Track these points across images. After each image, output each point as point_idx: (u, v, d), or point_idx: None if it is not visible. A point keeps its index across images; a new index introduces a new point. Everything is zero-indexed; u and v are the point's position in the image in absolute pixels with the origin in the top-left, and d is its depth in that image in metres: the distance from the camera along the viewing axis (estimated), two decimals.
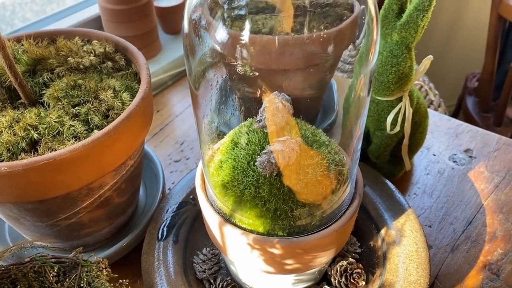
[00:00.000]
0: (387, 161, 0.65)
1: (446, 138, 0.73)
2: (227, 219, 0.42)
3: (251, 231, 0.41)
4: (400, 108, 0.57)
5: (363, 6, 0.34)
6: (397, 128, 0.58)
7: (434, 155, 0.70)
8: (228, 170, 0.42)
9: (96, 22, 0.85)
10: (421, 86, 0.60)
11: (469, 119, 1.33)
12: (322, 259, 0.43)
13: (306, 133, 0.43)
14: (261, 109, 0.41)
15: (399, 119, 0.58)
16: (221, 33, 0.33)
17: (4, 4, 1.68)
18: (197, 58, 0.37)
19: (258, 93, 0.41)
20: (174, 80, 0.86)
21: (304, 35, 0.37)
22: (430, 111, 0.77)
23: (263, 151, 0.40)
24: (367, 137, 0.64)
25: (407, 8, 0.54)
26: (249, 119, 0.44)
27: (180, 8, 0.88)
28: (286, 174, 0.40)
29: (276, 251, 0.40)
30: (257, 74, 0.35)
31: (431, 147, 0.71)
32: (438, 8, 1.57)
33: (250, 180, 0.40)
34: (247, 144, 0.42)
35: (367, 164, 0.63)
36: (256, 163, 0.40)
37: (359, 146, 0.43)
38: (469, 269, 0.56)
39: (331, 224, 0.41)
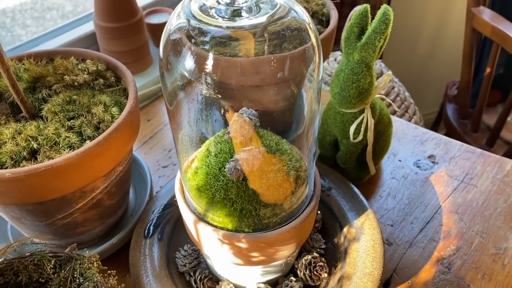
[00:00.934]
0: (354, 166, 0.71)
1: (412, 145, 0.79)
2: (201, 218, 0.48)
3: (221, 228, 0.47)
4: (362, 119, 0.64)
5: (310, 41, 0.41)
6: (360, 137, 0.64)
7: (400, 160, 0.77)
8: (202, 176, 0.48)
9: (91, 38, 0.91)
10: (383, 99, 0.66)
11: (448, 125, 1.40)
12: (284, 252, 0.49)
13: (270, 143, 0.49)
14: (230, 123, 0.47)
15: (362, 129, 0.64)
16: (190, 61, 0.40)
17: (4, 11, 1.75)
18: (171, 79, 0.43)
19: (233, 106, 0.48)
20: None
21: (263, 57, 0.43)
22: (399, 120, 0.83)
23: (231, 159, 0.47)
24: (335, 145, 0.71)
25: (366, 30, 0.60)
26: (222, 130, 0.51)
27: None
28: (251, 179, 0.46)
29: (243, 245, 0.47)
30: (219, 96, 0.41)
31: (398, 153, 0.78)
32: (422, 19, 1.65)
33: (220, 184, 0.47)
34: (218, 152, 0.48)
35: (336, 170, 0.70)
36: (225, 170, 0.46)
37: (313, 151, 0.50)
38: (424, 263, 0.62)
39: (290, 222, 0.48)
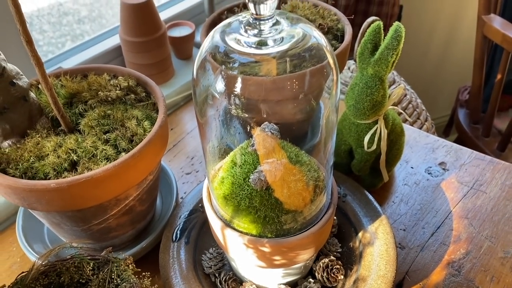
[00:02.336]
0: (368, 174, 0.75)
1: (423, 153, 0.83)
2: (228, 224, 0.53)
3: (246, 234, 0.51)
4: (376, 129, 0.68)
5: (326, 60, 0.45)
6: (374, 146, 0.68)
7: (412, 167, 0.80)
8: (228, 185, 0.52)
9: (117, 51, 0.96)
10: (397, 111, 0.70)
11: (460, 130, 1.43)
12: (304, 256, 0.54)
13: (290, 154, 0.53)
14: (254, 136, 0.52)
15: (376, 139, 0.68)
16: (220, 82, 0.44)
17: None
18: (202, 97, 0.48)
19: (256, 118, 0.52)
20: (186, 100, 0.98)
21: (285, 76, 0.47)
22: (411, 128, 0.87)
23: (255, 170, 0.51)
24: (350, 153, 0.75)
25: (379, 46, 0.64)
26: (245, 141, 0.55)
27: (190, 37, 0.99)
28: (274, 188, 0.50)
29: (266, 249, 0.51)
30: (245, 114, 0.45)
31: (410, 160, 0.82)
32: (434, 26, 1.68)
33: (245, 193, 0.51)
34: (243, 164, 0.53)
35: (350, 177, 0.73)
36: (249, 180, 0.51)
37: (331, 163, 0.54)
38: (435, 266, 0.66)
39: (310, 228, 0.52)
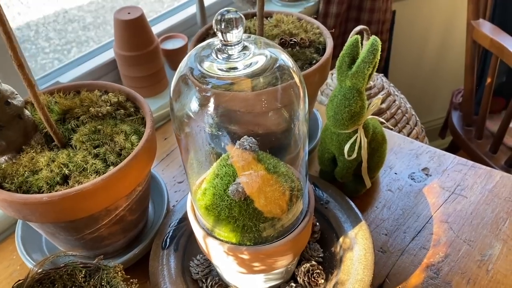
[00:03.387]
0: (351, 181, 0.78)
1: (407, 159, 0.85)
2: (209, 233, 0.56)
3: (226, 242, 0.54)
4: (356, 138, 0.70)
5: (293, 80, 0.48)
6: (355, 155, 0.71)
7: (396, 173, 0.83)
8: (210, 196, 0.56)
9: (112, 64, 1.00)
10: (380, 120, 0.72)
11: (454, 132, 1.45)
12: (283, 262, 0.57)
13: (268, 165, 0.56)
14: (230, 152, 0.55)
15: (356, 147, 0.71)
16: (195, 101, 0.48)
17: (28, 25, 1.84)
18: (179, 114, 0.51)
19: (238, 130, 0.55)
20: None
21: (257, 92, 0.50)
22: (396, 135, 0.90)
23: (233, 182, 0.54)
24: (333, 161, 0.77)
25: (357, 59, 0.67)
26: (227, 153, 0.58)
27: (183, 49, 1.03)
28: (252, 199, 0.54)
29: (245, 256, 0.54)
30: (219, 132, 0.49)
31: (394, 166, 0.84)
32: (428, 29, 1.70)
33: (225, 204, 0.54)
34: (224, 175, 0.56)
35: (334, 184, 0.76)
36: (228, 191, 0.54)
37: (305, 171, 0.57)
38: (414, 269, 0.68)
39: (287, 235, 0.55)
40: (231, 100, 0.49)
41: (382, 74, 1.15)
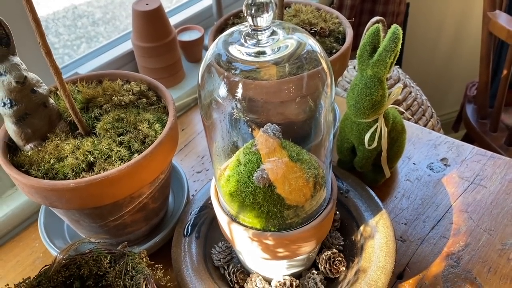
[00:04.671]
0: (371, 170, 0.78)
1: (426, 149, 0.85)
2: (234, 219, 0.56)
3: (251, 228, 0.55)
4: (376, 128, 0.71)
5: (321, 66, 0.48)
6: (375, 144, 0.71)
7: (414, 164, 0.83)
8: (234, 183, 0.56)
9: (130, 56, 1.01)
10: (399, 110, 0.72)
11: (468, 125, 1.44)
12: (306, 248, 0.57)
13: (292, 153, 0.57)
14: (256, 137, 0.55)
15: (376, 137, 0.71)
16: (223, 87, 0.48)
17: None
18: (207, 101, 0.52)
19: (259, 119, 0.55)
20: (196, 102, 1.02)
21: (285, 79, 0.50)
22: (414, 125, 0.90)
23: (258, 169, 0.55)
24: (353, 151, 0.78)
25: (378, 48, 0.67)
26: (250, 141, 0.59)
27: (199, 41, 1.03)
28: (276, 185, 0.54)
29: (270, 242, 0.54)
30: (248, 116, 0.49)
31: (412, 157, 0.84)
32: (443, 21, 1.69)
33: (249, 190, 0.54)
34: (247, 163, 0.56)
35: (353, 174, 0.76)
36: (253, 178, 0.54)
37: (330, 160, 0.57)
38: (434, 258, 0.69)
39: (310, 222, 0.55)
40: (258, 87, 0.49)
41: (398, 66, 1.15)
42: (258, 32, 0.44)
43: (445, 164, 0.82)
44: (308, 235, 0.55)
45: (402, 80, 1.07)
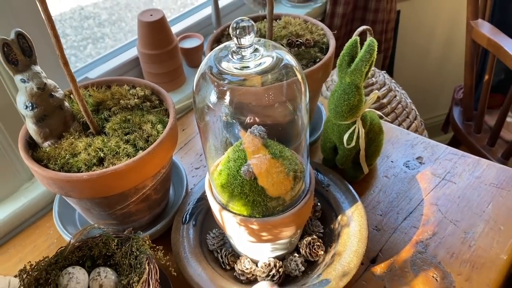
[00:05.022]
0: (351, 167, 0.87)
1: (403, 148, 0.94)
2: (224, 207, 0.65)
3: (239, 214, 0.64)
4: (354, 129, 0.79)
5: (296, 77, 0.57)
6: (353, 143, 0.80)
7: (392, 161, 0.91)
8: (225, 176, 0.65)
9: (135, 61, 1.10)
10: (378, 114, 0.80)
11: (455, 127, 1.52)
12: (287, 233, 0.66)
13: (275, 150, 0.65)
14: (243, 137, 0.64)
15: (355, 137, 0.80)
16: (214, 94, 0.57)
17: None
18: (200, 105, 0.60)
19: (247, 121, 0.64)
20: None
21: (265, 87, 0.59)
22: (394, 127, 0.98)
23: (245, 164, 0.63)
24: (335, 150, 0.86)
25: (355, 58, 0.75)
26: (239, 140, 0.67)
27: (199, 48, 1.12)
28: (260, 178, 0.63)
29: (254, 227, 0.63)
30: (235, 119, 0.58)
31: (391, 155, 0.93)
32: (433, 28, 1.77)
33: (237, 182, 0.63)
34: (236, 159, 0.65)
35: (335, 170, 0.85)
36: (241, 172, 0.63)
37: (307, 155, 0.66)
38: (404, 245, 0.77)
39: (290, 210, 0.64)
40: (243, 94, 0.58)
41: (385, 71, 1.23)
42: (242, 50, 0.53)
43: (420, 162, 0.91)
44: (288, 221, 0.64)
45: (388, 85, 1.16)
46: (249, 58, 0.54)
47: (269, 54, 0.55)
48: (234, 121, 0.59)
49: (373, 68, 1.20)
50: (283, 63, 0.55)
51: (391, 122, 1.15)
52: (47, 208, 0.91)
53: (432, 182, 0.87)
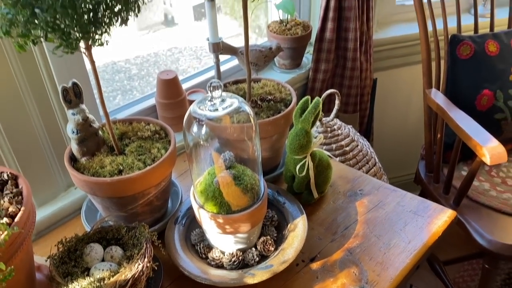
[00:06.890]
0: (305, 193, 1.15)
1: (348, 182, 1.22)
2: (201, 206, 0.94)
3: (211, 212, 0.92)
4: (304, 162, 1.08)
5: (251, 123, 0.87)
6: (304, 173, 1.08)
7: (340, 192, 1.19)
8: (203, 185, 0.94)
9: (153, 108, 1.43)
10: (327, 153, 1.09)
11: (419, 178, 1.78)
12: (244, 228, 0.93)
13: (239, 170, 0.95)
14: (217, 160, 0.94)
15: (305, 168, 1.08)
16: (196, 129, 0.88)
17: None
18: (189, 138, 0.91)
19: (222, 148, 0.94)
20: None
21: (230, 125, 0.90)
22: (345, 166, 1.27)
23: (215, 178, 0.93)
24: (293, 178, 1.15)
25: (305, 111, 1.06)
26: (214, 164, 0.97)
27: None
28: (225, 192, 0.92)
29: (221, 221, 0.91)
30: (211, 146, 0.88)
31: (338, 186, 1.21)
32: (409, 94, 2.07)
33: (211, 189, 0.92)
34: (212, 174, 0.94)
35: (294, 194, 1.13)
36: (213, 182, 0.92)
37: (261, 174, 0.95)
38: (337, 250, 1.03)
39: (246, 210, 0.92)
40: (213, 128, 0.89)
41: (351, 126, 1.53)
42: (214, 99, 0.85)
43: (361, 193, 1.18)
44: (244, 218, 0.92)
45: (351, 136, 1.45)
46: (218, 105, 0.85)
47: (232, 103, 0.86)
48: (210, 148, 0.89)
49: (339, 122, 1.50)
50: (241, 109, 0.86)
51: (352, 166, 1.44)
52: (76, 212, 1.21)
53: (367, 208, 1.14)
